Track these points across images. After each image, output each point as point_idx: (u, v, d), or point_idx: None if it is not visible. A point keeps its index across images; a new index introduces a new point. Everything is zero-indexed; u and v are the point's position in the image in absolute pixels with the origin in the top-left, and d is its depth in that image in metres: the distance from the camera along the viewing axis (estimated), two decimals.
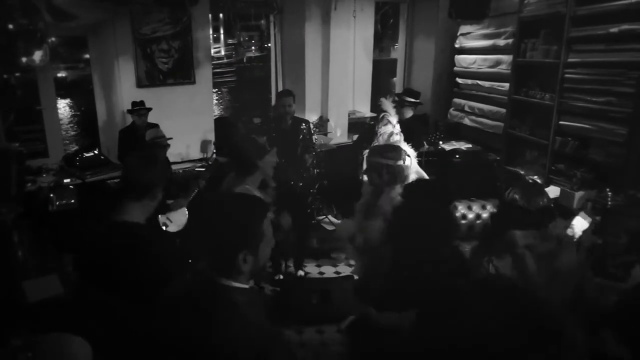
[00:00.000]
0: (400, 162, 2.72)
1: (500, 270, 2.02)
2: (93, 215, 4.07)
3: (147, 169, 2.03)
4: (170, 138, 4.51)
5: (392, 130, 3.90)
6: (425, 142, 5.56)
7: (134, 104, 4.72)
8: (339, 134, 6.16)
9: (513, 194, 2.09)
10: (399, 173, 2.71)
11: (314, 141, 4.73)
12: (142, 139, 4.59)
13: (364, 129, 6.03)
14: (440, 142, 5.79)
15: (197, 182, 4.20)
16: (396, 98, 4.57)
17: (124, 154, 4.82)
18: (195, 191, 4.09)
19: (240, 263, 1.45)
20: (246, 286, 1.50)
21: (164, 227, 4.07)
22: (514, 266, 2.01)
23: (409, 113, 4.49)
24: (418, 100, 4.58)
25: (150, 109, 4.79)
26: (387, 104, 4.02)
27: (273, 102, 6.42)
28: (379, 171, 2.70)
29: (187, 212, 4.15)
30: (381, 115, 3.94)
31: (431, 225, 1.99)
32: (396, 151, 2.81)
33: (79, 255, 2.12)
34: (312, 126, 4.94)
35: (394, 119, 3.94)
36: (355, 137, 5.94)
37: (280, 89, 6.33)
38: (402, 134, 3.96)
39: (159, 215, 4.09)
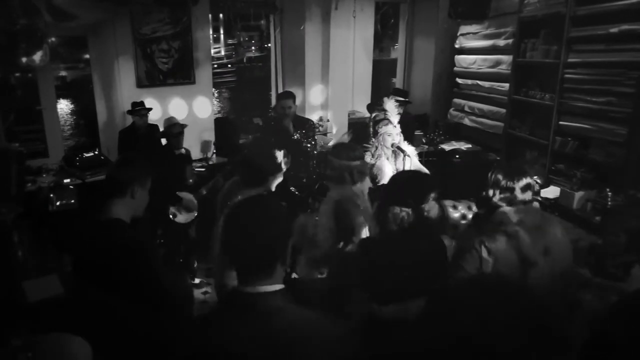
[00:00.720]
0: (364, 160, 2.85)
1: (493, 253, 2.02)
2: (93, 215, 4.07)
3: (125, 167, 2.11)
4: (185, 125, 4.55)
5: (392, 130, 3.89)
6: (423, 140, 5.59)
7: (134, 104, 4.72)
8: (334, 131, 6.15)
9: (496, 174, 2.15)
10: (364, 171, 2.81)
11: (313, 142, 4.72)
12: (142, 139, 4.60)
13: (354, 128, 6.07)
14: (441, 143, 5.82)
15: (199, 192, 4.27)
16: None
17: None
18: (210, 185, 4.19)
19: (285, 262, 1.45)
20: (281, 286, 1.44)
21: (172, 217, 4.16)
22: (509, 245, 2.03)
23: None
24: (407, 99, 4.65)
25: (150, 109, 4.80)
26: (389, 104, 4.02)
27: (273, 102, 6.43)
28: (349, 171, 2.74)
29: (196, 203, 4.23)
30: (380, 116, 3.94)
31: (414, 222, 2.08)
32: (358, 150, 2.89)
33: (73, 255, 2.17)
34: (315, 125, 4.93)
35: (395, 119, 3.94)
36: (345, 135, 5.93)
37: (280, 89, 6.33)
38: (402, 134, 3.96)
39: (170, 207, 4.17)
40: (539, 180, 2.12)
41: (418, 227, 2.11)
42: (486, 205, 2.19)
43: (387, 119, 3.91)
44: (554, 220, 2.21)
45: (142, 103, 4.75)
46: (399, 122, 4.27)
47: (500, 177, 2.12)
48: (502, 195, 2.10)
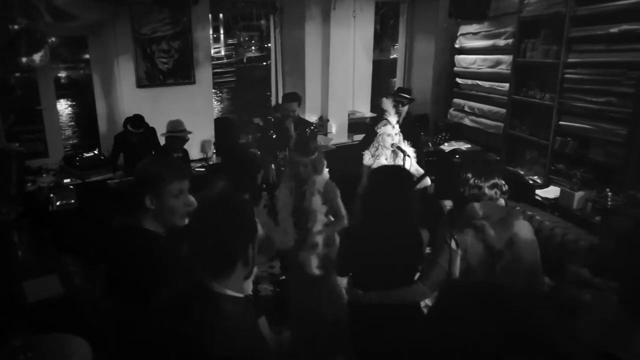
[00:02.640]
0: (318, 154, 3.08)
1: (462, 244, 2.21)
2: (93, 216, 4.07)
3: (135, 178, 1.95)
4: (190, 132, 4.53)
5: (391, 130, 3.91)
6: (429, 144, 5.62)
7: (132, 124, 4.57)
8: (334, 130, 6.15)
9: (466, 173, 2.34)
10: (320, 163, 3.09)
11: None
12: (138, 146, 4.57)
13: (366, 130, 6.07)
14: (442, 143, 5.84)
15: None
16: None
17: (115, 158, 4.80)
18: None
19: (238, 267, 1.44)
20: (240, 295, 1.46)
21: None
22: (476, 237, 2.21)
23: (404, 111, 4.56)
24: (411, 97, 4.67)
25: (142, 129, 4.63)
26: (388, 104, 4.03)
27: (273, 102, 6.43)
28: (304, 165, 3.02)
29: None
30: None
31: (393, 207, 2.36)
32: (312, 144, 3.15)
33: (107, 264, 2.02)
34: (317, 129, 4.89)
35: (393, 118, 3.95)
36: (356, 137, 5.96)
37: (280, 89, 6.33)
38: (401, 134, 3.97)
39: None
40: (504, 182, 2.35)
41: (397, 218, 2.37)
42: (457, 202, 2.39)
43: (386, 119, 3.94)
44: (519, 215, 2.39)
45: (139, 119, 4.60)
46: (403, 123, 4.32)
47: (469, 175, 2.31)
48: (471, 192, 2.29)
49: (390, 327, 2.31)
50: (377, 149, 3.99)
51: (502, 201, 2.34)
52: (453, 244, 2.22)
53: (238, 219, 1.47)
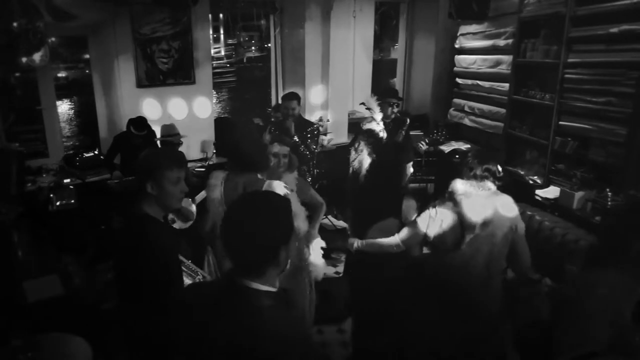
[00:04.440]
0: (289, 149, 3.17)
1: (439, 213, 2.52)
2: (92, 216, 4.08)
3: (138, 164, 2.06)
4: (185, 136, 4.51)
5: (376, 126, 3.98)
6: (425, 141, 5.62)
7: (136, 126, 4.55)
8: (334, 130, 6.16)
9: (469, 155, 2.62)
10: (293, 159, 3.20)
11: (315, 145, 4.72)
12: (140, 148, 4.56)
13: (357, 128, 6.10)
14: (441, 143, 5.84)
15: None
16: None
17: (110, 157, 4.78)
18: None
19: (280, 260, 1.40)
20: (274, 289, 1.43)
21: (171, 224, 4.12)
22: (453, 210, 2.47)
23: (392, 112, 4.60)
24: (397, 99, 4.73)
25: (145, 131, 4.63)
26: (372, 102, 4.13)
27: (273, 102, 6.43)
28: (281, 157, 3.10)
29: (194, 210, 4.20)
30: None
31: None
32: (288, 138, 3.32)
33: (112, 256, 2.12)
34: (318, 129, 4.87)
35: (378, 116, 4.04)
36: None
37: (280, 89, 6.33)
38: (385, 132, 4.04)
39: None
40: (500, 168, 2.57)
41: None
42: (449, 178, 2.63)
43: (372, 117, 4.06)
44: (506, 201, 2.49)
45: (142, 122, 4.59)
46: (393, 121, 4.40)
47: (469, 157, 2.58)
48: (464, 172, 2.53)
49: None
50: (360, 144, 4.08)
51: (489, 184, 2.50)
52: (433, 212, 2.53)
53: (279, 215, 1.42)
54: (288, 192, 2.88)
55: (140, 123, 4.57)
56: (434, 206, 2.56)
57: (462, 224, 2.44)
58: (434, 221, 2.53)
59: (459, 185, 2.50)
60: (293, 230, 1.45)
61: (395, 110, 4.62)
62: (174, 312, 1.77)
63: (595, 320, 1.79)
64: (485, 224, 2.40)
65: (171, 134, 4.49)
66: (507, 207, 2.48)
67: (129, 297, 1.98)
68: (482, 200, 2.44)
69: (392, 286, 2.88)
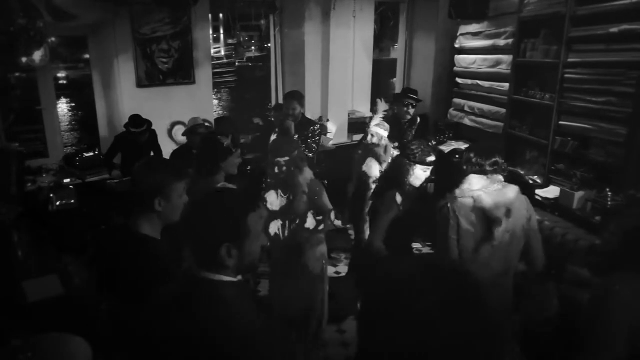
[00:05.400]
0: (298, 153, 3.13)
1: (458, 212, 2.48)
2: (92, 216, 4.07)
3: (145, 178, 1.98)
4: (211, 126, 4.48)
5: (381, 131, 4.01)
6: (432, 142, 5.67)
7: (132, 124, 4.55)
8: (334, 130, 6.15)
9: (469, 152, 2.62)
10: (303, 161, 3.14)
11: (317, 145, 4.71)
12: (144, 146, 4.57)
13: (357, 128, 6.15)
14: (442, 143, 5.85)
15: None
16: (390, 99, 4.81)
17: (110, 157, 4.79)
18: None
19: (223, 257, 1.43)
20: (234, 279, 1.48)
21: None
22: (473, 205, 2.46)
23: (410, 112, 4.65)
24: (418, 98, 4.77)
25: (145, 126, 4.63)
26: (381, 105, 4.18)
27: (273, 102, 6.43)
28: (281, 167, 3.06)
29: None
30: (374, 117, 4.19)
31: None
32: (292, 145, 3.18)
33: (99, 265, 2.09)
34: (320, 130, 4.84)
35: (379, 118, 4.11)
36: (355, 137, 6.00)
37: (280, 89, 6.33)
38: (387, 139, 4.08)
39: None
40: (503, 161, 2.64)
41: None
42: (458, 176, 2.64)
43: (379, 117, 4.13)
44: (515, 189, 2.54)
45: (138, 118, 4.56)
46: (408, 122, 4.61)
47: (472, 155, 2.58)
48: (473, 169, 2.55)
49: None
50: (366, 145, 4.16)
51: (500, 177, 2.55)
52: (451, 213, 2.49)
53: (219, 207, 1.49)
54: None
55: (136, 119, 4.56)
56: (447, 206, 2.52)
57: (486, 220, 2.43)
58: (456, 222, 2.50)
59: (476, 181, 2.50)
60: (240, 228, 1.47)
61: (411, 111, 4.66)
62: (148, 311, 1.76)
63: (616, 325, 1.75)
64: (508, 215, 2.42)
65: (197, 124, 4.43)
66: (520, 198, 2.52)
67: (119, 297, 1.97)
68: (499, 193, 2.46)
69: (402, 286, 2.84)
